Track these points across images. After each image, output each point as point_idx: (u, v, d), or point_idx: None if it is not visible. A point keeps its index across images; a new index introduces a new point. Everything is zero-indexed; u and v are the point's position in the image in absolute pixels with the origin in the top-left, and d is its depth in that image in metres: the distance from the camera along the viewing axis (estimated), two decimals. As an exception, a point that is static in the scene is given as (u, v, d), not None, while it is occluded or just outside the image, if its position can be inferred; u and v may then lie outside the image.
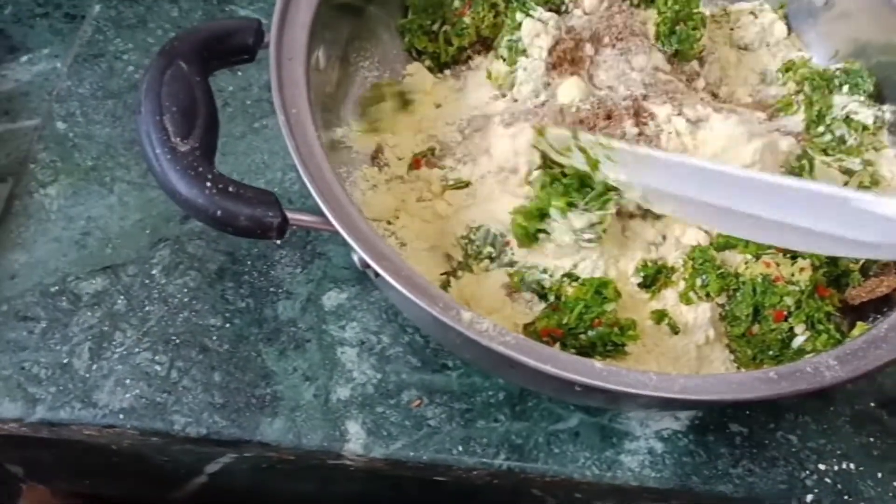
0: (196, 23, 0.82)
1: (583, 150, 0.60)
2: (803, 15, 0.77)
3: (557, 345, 0.57)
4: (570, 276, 0.61)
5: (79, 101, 0.76)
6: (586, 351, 0.57)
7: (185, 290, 0.66)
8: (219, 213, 0.51)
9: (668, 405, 0.59)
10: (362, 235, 0.51)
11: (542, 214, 0.60)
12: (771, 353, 0.60)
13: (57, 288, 0.66)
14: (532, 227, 0.60)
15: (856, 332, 0.58)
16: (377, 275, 0.51)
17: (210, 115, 0.54)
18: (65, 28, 0.82)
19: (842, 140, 0.70)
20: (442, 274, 0.63)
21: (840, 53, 0.75)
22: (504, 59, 0.71)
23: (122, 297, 0.66)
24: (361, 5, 0.71)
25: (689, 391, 0.48)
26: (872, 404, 0.65)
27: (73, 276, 0.67)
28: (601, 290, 0.58)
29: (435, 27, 0.74)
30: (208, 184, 0.51)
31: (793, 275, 0.60)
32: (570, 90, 0.66)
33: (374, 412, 0.62)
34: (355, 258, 0.53)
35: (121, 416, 0.61)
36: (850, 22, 0.74)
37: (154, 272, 0.67)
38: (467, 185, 0.67)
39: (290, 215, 0.52)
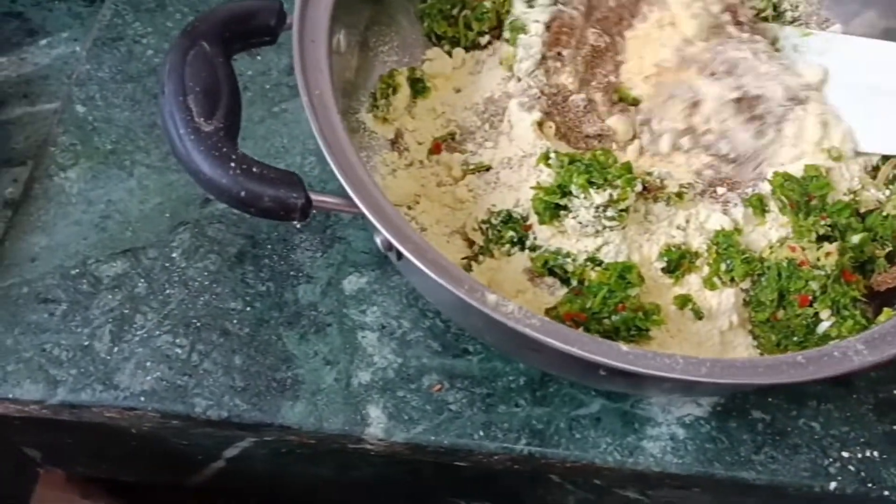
0: (215, 6, 0.81)
1: None
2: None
3: (581, 329, 0.56)
4: (594, 261, 0.60)
5: (98, 84, 0.76)
6: (609, 335, 0.57)
7: (206, 274, 0.66)
8: (243, 193, 0.51)
9: (694, 389, 0.59)
10: (387, 217, 0.51)
11: (564, 191, 0.60)
12: (795, 338, 0.59)
13: (77, 271, 0.66)
14: (553, 201, 0.60)
15: (882, 318, 0.58)
16: (400, 257, 0.51)
17: (233, 95, 0.54)
18: (84, 12, 0.82)
19: None
20: (463, 259, 0.63)
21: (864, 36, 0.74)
22: (508, 41, 0.70)
23: (142, 280, 0.66)
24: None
25: (715, 374, 0.48)
26: (896, 392, 0.65)
27: (93, 259, 0.66)
28: (625, 274, 0.58)
29: (455, 11, 0.73)
30: (232, 164, 0.51)
31: (818, 259, 0.59)
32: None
33: (395, 396, 0.62)
34: (378, 240, 0.53)
35: (142, 398, 0.61)
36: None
37: (174, 255, 0.67)
38: (488, 168, 0.66)
39: (313, 197, 0.52)
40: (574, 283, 0.60)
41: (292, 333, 0.64)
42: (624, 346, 0.49)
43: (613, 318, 0.56)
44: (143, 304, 0.65)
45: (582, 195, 0.59)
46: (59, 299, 0.65)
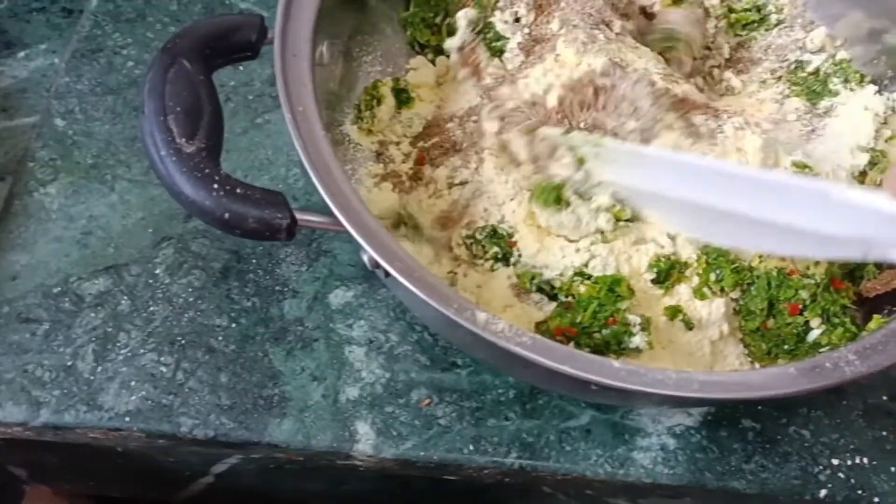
0: (196, 17, 0.80)
1: (571, 147, 0.60)
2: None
3: (571, 344, 0.56)
4: (582, 275, 0.60)
5: (78, 97, 0.75)
6: (600, 349, 0.56)
7: (190, 290, 0.65)
8: (227, 215, 0.50)
9: (686, 402, 0.59)
10: (373, 235, 0.50)
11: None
12: (786, 347, 0.59)
13: (59, 289, 0.65)
14: (554, 194, 0.60)
15: (872, 325, 0.58)
16: (387, 275, 0.51)
17: (215, 114, 0.53)
18: (62, 23, 0.81)
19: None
20: (448, 273, 0.62)
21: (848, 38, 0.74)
22: (487, 49, 0.70)
23: (125, 297, 0.65)
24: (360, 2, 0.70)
25: (707, 390, 0.48)
26: (885, 398, 0.65)
27: (75, 277, 0.66)
28: (614, 287, 0.57)
29: (437, 20, 0.72)
30: (215, 185, 0.50)
31: (808, 268, 0.59)
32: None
33: (383, 412, 0.62)
34: (364, 258, 0.52)
35: (127, 418, 0.60)
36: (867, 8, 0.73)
37: (158, 272, 0.66)
38: (468, 182, 0.65)
39: (299, 216, 0.51)
40: (562, 297, 0.60)
41: (279, 349, 0.64)
42: (615, 363, 0.49)
43: (604, 332, 0.56)
44: (126, 321, 0.64)
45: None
46: (40, 319, 0.64)
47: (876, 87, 0.71)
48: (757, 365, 0.61)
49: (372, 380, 0.63)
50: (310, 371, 0.63)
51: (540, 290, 0.60)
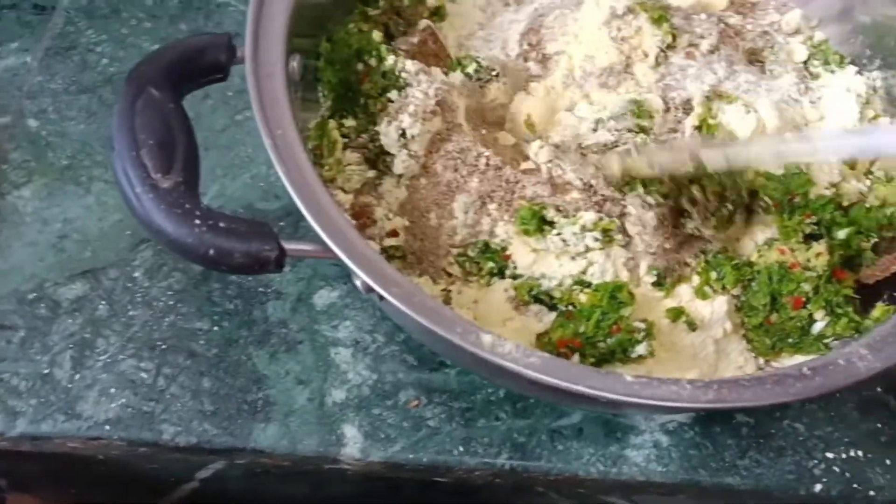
0: (172, 11, 0.78)
1: None
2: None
3: (576, 356, 0.55)
4: (582, 283, 0.58)
5: (51, 96, 0.73)
6: (606, 359, 0.55)
7: (170, 293, 0.64)
8: (211, 252, 0.48)
9: (699, 411, 0.58)
10: (368, 262, 0.48)
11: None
12: (790, 340, 0.59)
13: (35, 295, 0.63)
14: (535, 222, 0.58)
15: (877, 313, 0.58)
16: (382, 298, 0.49)
17: (189, 144, 0.51)
18: (34, 20, 0.78)
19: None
20: (442, 290, 0.60)
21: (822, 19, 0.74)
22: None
23: (103, 302, 0.63)
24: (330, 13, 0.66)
25: (724, 399, 0.47)
26: (879, 389, 0.64)
27: (51, 282, 0.64)
28: (616, 294, 0.56)
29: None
30: (197, 221, 0.48)
31: (808, 260, 0.59)
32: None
33: (370, 414, 0.60)
34: (358, 283, 0.50)
35: (106, 427, 0.59)
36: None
37: (136, 275, 0.64)
38: None
39: (287, 246, 0.49)
40: (562, 307, 0.58)
41: (262, 352, 0.62)
42: (629, 377, 0.47)
43: (609, 340, 0.55)
44: (104, 327, 0.62)
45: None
46: (15, 326, 0.62)
47: (856, 68, 0.71)
48: (761, 360, 0.61)
49: (359, 381, 0.61)
50: (295, 374, 0.61)
51: (538, 300, 0.58)
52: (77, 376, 0.60)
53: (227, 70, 0.56)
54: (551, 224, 0.58)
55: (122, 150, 0.49)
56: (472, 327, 0.48)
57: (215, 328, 0.63)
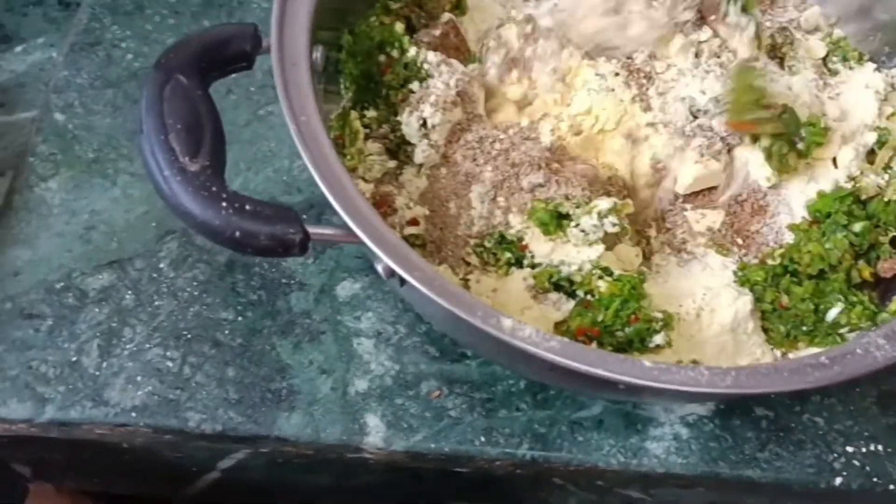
0: (194, 7, 0.79)
1: None
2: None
3: (594, 344, 0.55)
4: (605, 270, 0.58)
5: (77, 91, 0.74)
6: (623, 348, 0.56)
7: (195, 284, 0.65)
8: (238, 234, 0.48)
9: (718, 398, 0.58)
10: (390, 246, 0.49)
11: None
12: (805, 328, 0.59)
13: (62, 284, 0.64)
14: (554, 221, 0.59)
15: (894, 306, 0.58)
16: (403, 283, 0.49)
17: (216, 129, 0.52)
18: (59, 16, 0.80)
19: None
20: (461, 279, 0.61)
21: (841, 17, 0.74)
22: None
23: (129, 292, 0.64)
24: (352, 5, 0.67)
25: (742, 385, 0.47)
26: (899, 384, 0.64)
27: (78, 272, 0.65)
28: (636, 286, 0.56)
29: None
30: (224, 203, 0.48)
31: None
32: None
33: (393, 404, 0.61)
34: (379, 267, 0.50)
35: (133, 414, 0.59)
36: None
37: (162, 266, 0.65)
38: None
39: (311, 230, 0.50)
40: (581, 294, 0.58)
41: (286, 342, 0.63)
42: (647, 363, 0.48)
43: (627, 329, 0.55)
44: (131, 316, 0.63)
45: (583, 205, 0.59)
46: (44, 314, 0.63)
47: (875, 65, 0.71)
48: (778, 353, 0.61)
49: (381, 372, 0.62)
50: (318, 364, 0.62)
51: (558, 287, 0.59)
52: (104, 364, 0.61)
53: (253, 59, 0.56)
54: (568, 217, 0.59)
55: (150, 133, 0.50)
56: (493, 311, 0.48)
57: (239, 318, 0.63)
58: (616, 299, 0.55)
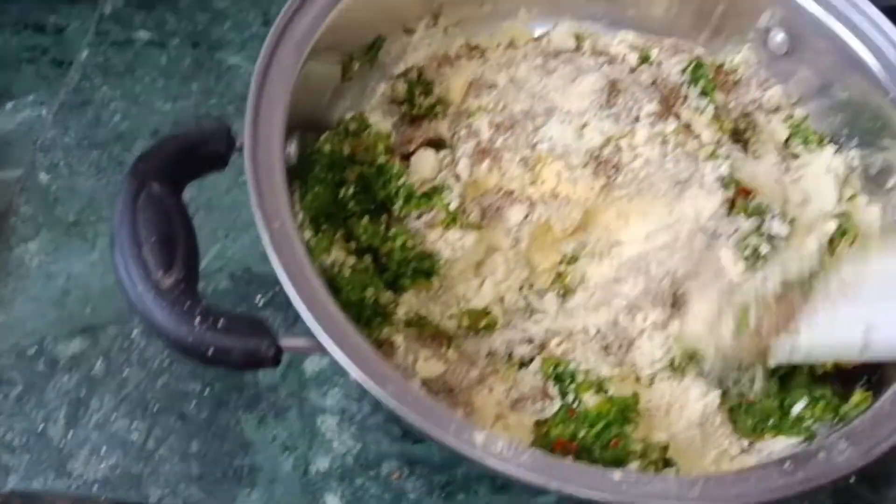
0: (184, 72, 0.81)
1: None
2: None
3: (569, 459, 0.55)
4: (600, 387, 0.59)
5: (63, 150, 0.75)
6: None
7: (165, 353, 0.65)
8: (210, 351, 0.49)
9: None
10: (364, 362, 0.49)
11: None
12: (771, 422, 0.60)
13: (34, 349, 0.65)
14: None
15: (855, 399, 0.59)
16: None
17: (189, 238, 0.52)
18: (52, 74, 0.81)
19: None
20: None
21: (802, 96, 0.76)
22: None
23: (100, 360, 0.65)
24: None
25: (710, 496, 0.48)
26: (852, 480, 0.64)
27: (50, 338, 0.66)
28: (626, 412, 0.57)
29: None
30: (198, 320, 0.49)
31: None
32: None
33: (353, 484, 0.61)
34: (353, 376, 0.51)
35: (95, 487, 0.60)
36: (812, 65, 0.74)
37: (133, 334, 0.66)
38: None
39: (284, 343, 0.50)
40: (570, 399, 0.59)
41: (251, 417, 0.64)
42: (616, 475, 0.49)
43: (605, 453, 0.56)
44: (100, 385, 0.64)
45: None
46: (13, 381, 0.64)
47: (835, 146, 0.72)
48: (745, 442, 0.61)
49: (343, 451, 0.63)
50: (281, 440, 0.63)
51: (558, 378, 0.60)
52: (70, 434, 0.62)
53: (227, 159, 0.57)
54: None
55: (124, 247, 0.50)
56: (467, 425, 0.49)
57: (206, 390, 0.64)
58: (601, 420, 0.56)
